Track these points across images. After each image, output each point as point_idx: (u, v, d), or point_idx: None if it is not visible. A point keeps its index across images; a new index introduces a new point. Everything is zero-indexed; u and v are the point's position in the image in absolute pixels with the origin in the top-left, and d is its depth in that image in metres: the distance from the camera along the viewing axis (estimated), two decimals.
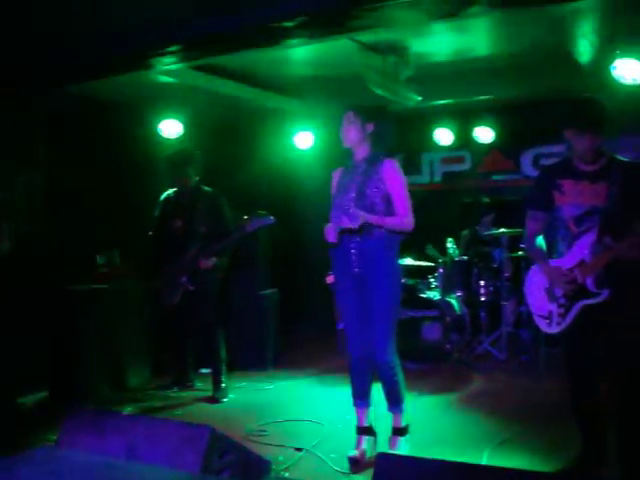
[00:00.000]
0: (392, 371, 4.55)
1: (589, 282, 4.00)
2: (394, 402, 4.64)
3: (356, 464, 4.47)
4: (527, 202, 4.37)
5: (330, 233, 4.50)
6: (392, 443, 4.64)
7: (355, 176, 4.58)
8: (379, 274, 4.48)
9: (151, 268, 6.43)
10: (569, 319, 4.08)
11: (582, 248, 4.02)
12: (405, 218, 4.49)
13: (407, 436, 4.67)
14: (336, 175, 4.79)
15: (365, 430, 4.72)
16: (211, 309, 6.34)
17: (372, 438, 4.73)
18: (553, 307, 4.17)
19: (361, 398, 4.71)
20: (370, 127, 4.57)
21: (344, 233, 4.46)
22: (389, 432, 4.69)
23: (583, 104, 4.15)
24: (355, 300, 4.59)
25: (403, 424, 4.67)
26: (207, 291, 6.29)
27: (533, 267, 4.39)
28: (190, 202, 6.32)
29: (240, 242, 6.32)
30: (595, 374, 4.15)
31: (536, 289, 4.32)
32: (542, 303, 4.26)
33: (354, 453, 4.55)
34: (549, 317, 4.20)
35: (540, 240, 4.33)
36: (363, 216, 4.32)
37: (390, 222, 4.46)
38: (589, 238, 3.99)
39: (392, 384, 4.59)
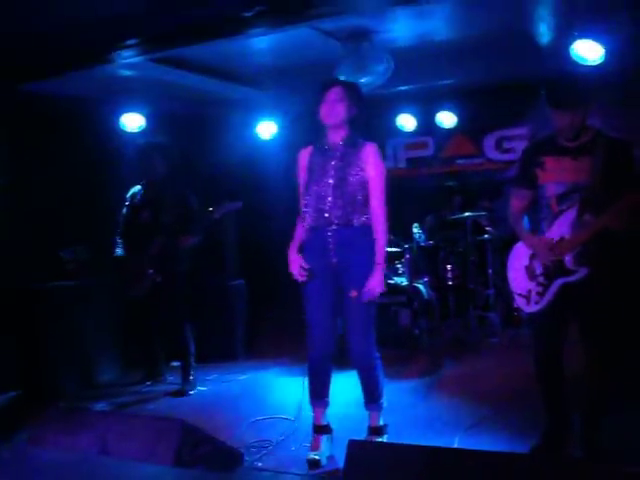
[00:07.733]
0: (373, 364, 4.33)
1: (568, 259, 3.95)
2: (372, 399, 4.40)
3: (316, 465, 4.20)
4: (511, 180, 4.32)
5: (294, 264, 4.32)
6: None
7: (331, 160, 4.26)
8: (360, 263, 4.22)
9: (118, 261, 6.30)
10: (547, 298, 4.05)
11: (562, 225, 3.97)
12: (382, 221, 4.26)
13: (384, 436, 4.42)
14: (304, 155, 4.42)
15: (323, 429, 4.43)
16: (179, 303, 6.28)
17: (330, 436, 4.45)
18: (532, 285, 4.13)
19: (321, 397, 4.43)
20: (354, 110, 4.26)
21: (321, 220, 4.23)
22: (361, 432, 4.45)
23: (560, 81, 4.10)
24: (329, 293, 4.32)
25: (380, 423, 4.45)
26: (174, 285, 6.20)
27: (516, 245, 4.32)
28: (157, 195, 6.23)
29: (209, 230, 6.25)
30: (562, 353, 4.15)
31: (517, 267, 4.27)
32: (522, 282, 4.21)
33: (313, 455, 4.26)
34: (528, 296, 4.17)
35: (525, 221, 4.31)
36: (380, 273, 4.14)
37: (383, 237, 4.26)
38: (570, 215, 3.93)
39: (372, 379, 4.36)
